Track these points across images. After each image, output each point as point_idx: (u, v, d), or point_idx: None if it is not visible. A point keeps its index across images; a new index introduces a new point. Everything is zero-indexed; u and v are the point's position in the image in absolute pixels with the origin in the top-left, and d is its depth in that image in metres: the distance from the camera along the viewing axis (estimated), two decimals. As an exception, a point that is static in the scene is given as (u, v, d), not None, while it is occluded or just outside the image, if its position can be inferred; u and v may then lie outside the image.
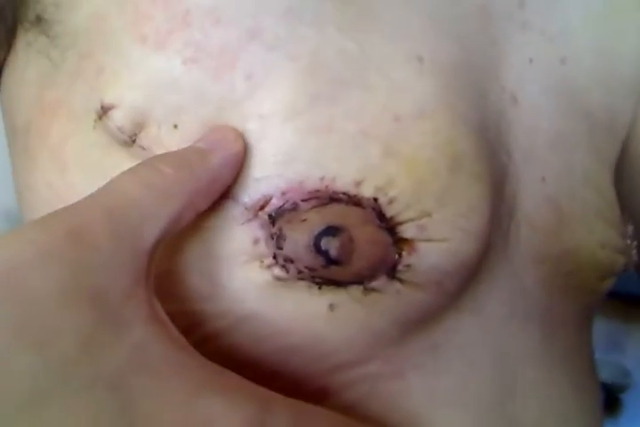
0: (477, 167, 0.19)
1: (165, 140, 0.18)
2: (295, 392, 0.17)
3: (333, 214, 0.17)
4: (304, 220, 0.17)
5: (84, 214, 0.15)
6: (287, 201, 0.18)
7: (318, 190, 0.17)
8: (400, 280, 0.18)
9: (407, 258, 0.18)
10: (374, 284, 0.18)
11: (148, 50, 0.18)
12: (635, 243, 0.27)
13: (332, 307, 0.18)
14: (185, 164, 0.17)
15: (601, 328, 0.63)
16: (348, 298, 0.18)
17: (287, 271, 0.18)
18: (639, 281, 0.32)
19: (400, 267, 0.18)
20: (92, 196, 0.16)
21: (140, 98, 0.18)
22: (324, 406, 0.17)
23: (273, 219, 0.18)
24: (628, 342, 0.65)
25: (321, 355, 0.19)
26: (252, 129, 0.18)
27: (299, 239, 0.17)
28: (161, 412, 0.13)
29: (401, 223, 0.18)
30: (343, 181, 0.18)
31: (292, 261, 0.18)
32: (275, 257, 0.18)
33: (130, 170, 0.17)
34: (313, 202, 0.18)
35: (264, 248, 0.18)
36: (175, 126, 0.18)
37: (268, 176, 0.18)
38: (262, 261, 0.18)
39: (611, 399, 0.64)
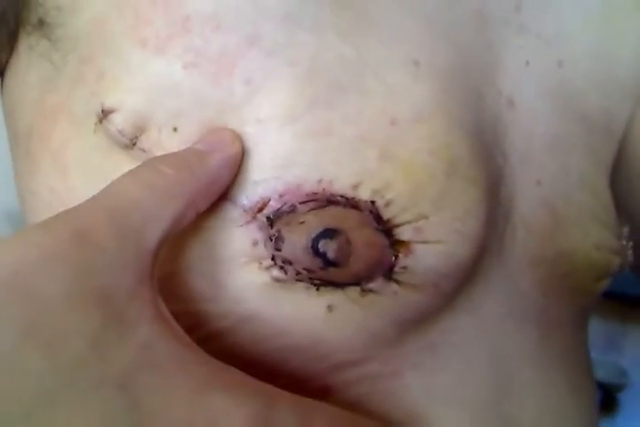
0: (473, 171, 0.20)
1: (165, 142, 0.18)
2: (295, 392, 0.17)
3: (331, 217, 0.18)
4: (302, 222, 0.18)
5: (87, 217, 0.15)
6: (285, 203, 0.18)
7: (316, 193, 0.18)
8: (397, 282, 0.18)
9: (404, 260, 0.18)
10: (371, 285, 0.18)
11: (149, 54, 0.18)
12: (630, 244, 0.27)
13: (330, 308, 0.18)
14: (185, 164, 0.17)
15: (598, 328, 0.64)
16: (346, 299, 0.18)
17: (285, 273, 0.18)
18: (636, 282, 0.32)
19: (397, 268, 0.18)
20: (94, 198, 0.16)
21: (140, 102, 0.18)
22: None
23: (271, 221, 0.18)
24: (625, 342, 0.66)
25: (320, 355, 0.19)
26: (250, 133, 0.18)
27: (297, 241, 0.18)
28: (167, 409, 0.14)
29: (398, 226, 0.18)
30: (340, 184, 0.18)
31: (290, 263, 0.18)
32: (273, 259, 0.18)
33: (131, 171, 0.17)
34: (311, 204, 0.18)
35: (263, 250, 0.18)
36: (175, 129, 0.18)
37: (267, 179, 0.18)
38: (261, 263, 0.18)
39: (608, 399, 0.64)
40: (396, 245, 0.18)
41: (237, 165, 0.18)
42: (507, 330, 0.22)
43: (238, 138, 0.18)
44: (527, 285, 0.23)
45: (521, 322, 0.23)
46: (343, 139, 0.18)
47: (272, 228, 0.18)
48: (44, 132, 0.21)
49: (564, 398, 0.23)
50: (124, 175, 0.17)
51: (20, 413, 0.13)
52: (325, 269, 0.18)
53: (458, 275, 0.20)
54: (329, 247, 0.17)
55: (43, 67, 0.22)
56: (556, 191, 0.23)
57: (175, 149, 0.18)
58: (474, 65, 0.22)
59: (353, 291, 0.18)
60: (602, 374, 0.62)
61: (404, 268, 0.18)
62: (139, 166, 0.17)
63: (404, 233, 0.18)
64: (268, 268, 0.18)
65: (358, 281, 0.18)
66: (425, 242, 0.18)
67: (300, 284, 0.18)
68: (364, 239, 0.18)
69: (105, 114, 0.19)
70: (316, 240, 0.18)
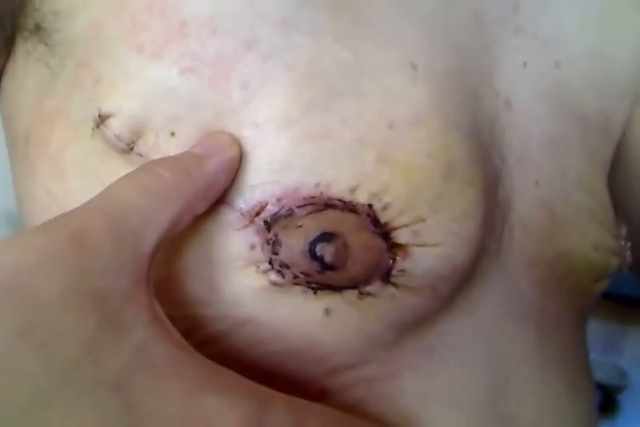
0: (471, 173, 0.20)
1: (163, 147, 0.18)
2: (292, 395, 0.17)
3: (328, 221, 0.18)
4: (299, 226, 0.18)
5: (84, 220, 0.15)
6: (283, 207, 0.18)
7: (313, 197, 0.18)
8: (394, 285, 0.18)
9: (401, 263, 0.18)
10: (369, 288, 0.18)
11: (145, 59, 0.18)
12: (628, 244, 0.27)
13: (327, 311, 0.18)
14: (182, 168, 0.17)
15: (598, 329, 0.64)
16: (344, 302, 0.18)
17: (283, 276, 0.18)
18: (635, 283, 0.32)
19: (394, 272, 0.18)
20: (91, 201, 0.16)
21: (137, 107, 0.18)
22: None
23: (269, 225, 0.18)
24: (624, 343, 0.66)
25: (317, 358, 0.19)
26: (247, 136, 0.18)
27: (294, 245, 0.18)
28: (162, 410, 0.14)
29: (395, 229, 0.18)
30: (338, 188, 0.18)
31: (287, 267, 0.18)
32: (270, 262, 0.18)
33: (128, 175, 0.17)
34: (308, 208, 0.18)
35: (260, 254, 0.18)
36: (172, 134, 0.18)
37: (264, 183, 0.18)
38: (258, 267, 0.18)
39: (608, 400, 0.64)
40: (394, 248, 0.18)
41: (235, 168, 0.18)
42: (505, 331, 0.22)
43: (236, 141, 0.18)
44: (526, 285, 0.23)
45: (520, 323, 0.23)
46: (340, 142, 0.18)
47: (269, 232, 0.18)
48: (42, 136, 0.21)
49: (562, 398, 0.23)
50: (120, 179, 0.17)
51: (15, 414, 0.13)
52: (323, 273, 0.18)
53: (456, 277, 0.20)
54: (326, 251, 0.17)
55: (40, 71, 0.22)
56: (554, 192, 0.23)
57: (173, 154, 0.18)
58: (471, 67, 0.22)
59: (350, 294, 0.18)
60: (601, 375, 0.62)
61: (402, 271, 0.18)
62: (136, 170, 0.17)
63: (401, 236, 0.18)
64: (265, 271, 0.18)
65: (356, 284, 0.18)
66: (423, 245, 0.18)
67: (298, 287, 0.18)
68: (361, 243, 0.18)
69: (102, 119, 0.19)
70: (313, 244, 0.18)
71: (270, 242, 0.18)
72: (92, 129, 0.19)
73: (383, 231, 0.18)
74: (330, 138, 0.18)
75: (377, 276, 0.18)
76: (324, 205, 0.18)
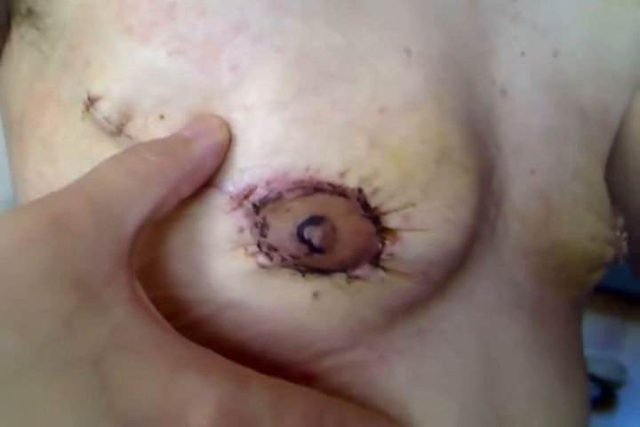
0: (465, 160, 0.20)
1: (152, 130, 0.18)
2: (278, 378, 0.17)
3: (317, 204, 0.18)
4: (288, 209, 0.18)
5: (67, 202, 0.15)
6: (272, 191, 0.18)
7: (303, 181, 0.18)
8: (384, 269, 0.18)
9: (390, 247, 0.18)
10: (358, 272, 0.18)
11: (134, 41, 0.18)
12: (625, 235, 0.27)
13: (316, 295, 0.18)
14: (169, 152, 0.17)
15: (598, 325, 0.64)
16: (332, 286, 0.18)
17: (271, 259, 0.18)
18: (636, 279, 0.32)
19: (383, 256, 0.18)
20: (75, 183, 0.16)
21: (126, 89, 0.18)
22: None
23: (257, 208, 0.18)
24: (624, 338, 0.66)
25: (305, 342, 0.19)
26: (237, 119, 0.18)
27: (282, 228, 0.18)
28: (138, 389, 0.14)
29: (385, 213, 0.18)
30: (328, 172, 0.18)
31: (275, 250, 0.18)
32: (259, 245, 0.18)
33: (113, 157, 0.17)
34: (297, 192, 0.18)
35: (248, 236, 0.18)
36: (162, 117, 0.18)
37: (253, 166, 0.18)
38: (246, 249, 0.18)
39: (607, 395, 0.64)
40: (383, 232, 0.18)
41: (223, 152, 0.18)
42: (499, 319, 0.22)
43: (225, 125, 0.18)
44: (521, 274, 0.23)
45: (514, 311, 0.23)
46: (331, 126, 0.18)
47: (258, 215, 0.18)
48: (34, 118, 0.21)
49: (555, 388, 0.23)
50: (106, 161, 0.17)
51: None
52: (311, 256, 0.18)
53: (447, 263, 0.19)
54: (314, 234, 0.17)
55: (32, 56, 0.22)
56: (551, 181, 0.23)
57: (162, 137, 0.18)
58: (467, 53, 0.22)
59: (339, 278, 0.18)
60: (601, 370, 0.62)
61: (391, 255, 0.18)
62: (122, 152, 0.17)
63: (391, 221, 0.18)
64: (253, 254, 0.18)
65: (344, 268, 0.18)
66: (413, 230, 0.18)
67: (286, 270, 0.18)
68: (350, 226, 0.18)
69: (91, 101, 0.19)
70: (301, 227, 0.17)
71: (259, 225, 0.18)
72: (82, 112, 0.19)
73: (373, 215, 0.18)
74: (320, 122, 0.18)
75: (366, 260, 0.18)
76: (313, 188, 0.18)
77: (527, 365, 0.23)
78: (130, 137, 0.19)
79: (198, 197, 0.18)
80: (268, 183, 0.18)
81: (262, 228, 0.18)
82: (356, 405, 0.18)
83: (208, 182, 0.18)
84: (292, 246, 0.18)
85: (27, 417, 0.13)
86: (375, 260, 0.18)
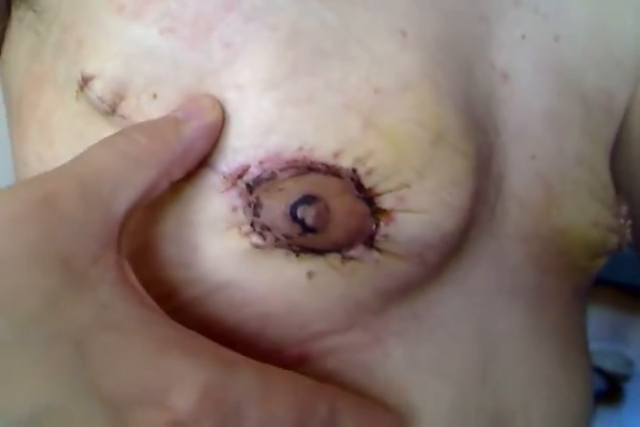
0: (462, 142, 0.19)
1: (145, 109, 0.18)
2: (272, 359, 0.17)
3: (311, 184, 0.17)
4: (281, 189, 0.18)
5: (57, 183, 0.15)
6: (265, 171, 0.18)
7: (296, 160, 0.18)
8: (378, 250, 0.18)
9: (385, 228, 0.18)
10: (352, 252, 0.18)
11: (126, 20, 0.18)
12: (629, 222, 0.27)
13: (310, 275, 0.18)
14: (160, 133, 0.17)
15: (605, 319, 0.63)
16: (327, 266, 0.18)
17: (264, 239, 0.18)
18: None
19: (378, 237, 0.18)
20: (66, 165, 0.16)
21: (118, 68, 0.18)
22: (301, 374, 0.17)
23: (251, 188, 0.18)
24: (631, 332, 0.65)
25: (300, 323, 0.19)
26: (230, 99, 0.18)
27: (275, 208, 0.17)
28: (122, 367, 0.14)
29: (379, 194, 0.18)
30: (321, 152, 0.18)
31: (269, 229, 0.18)
32: (252, 225, 0.18)
33: (105, 139, 0.17)
34: (291, 171, 0.18)
35: (242, 216, 0.18)
36: (154, 96, 0.18)
37: (247, 146, 0.18)
38: (240, 229, 0.18)
39: (613, 389, 0.64)
40: (378, 213, 0.18)
41: (216, 132, 0.18)
42: (496, 304, 0.22)
43: (218, 104, 0.18)
44: (520, 260, 0.23)
45: (512, 296, 0.22)
46: (325, 106, 0.18)
47: (251, 194, 0.18)
48: (32, 100, 0.22)
49: (554, 374, 0.23)
50: (97, 143, 0.17)
51: None
52: (304, 236, 0.18)
53: (443, 246, 0.19)
54: (307, 213, 0.17)
55: (30, 38, 0.22)
56: (552, 167, 0.23)
57: (155, 116, 0.18)
58: (465, 36, 0.21)
59: (334, 258, 0.18)
60: (608, 364, 0.62)
61: (385, 236, 0.18)
62: (114, 134, 0.17)
63: (385, 202, 0.18)
64: (247, 234, 0.18)
65: (339, 248, 0.18)
66: (408, 211, 0.18)
67: (280, 250, 0.18)
68: (344, 207, 0.18)
69: (85, 81, 0.19)
70: (294, 207, 0.17)
71: (252, 204, 0.18)
72: (77, 92, 0.19)
73: (367, 196, 0.18)
74: (314, 101, 0.18)
75: (360, 240, 0.18)
76: (306, 168, 0.18)
77: (526, 350, 0.22)
78: (123, 117, 0.19)
79: (192, 177, 0.18)
80: (261, 163, 0.18)
81: (255, 207, 0.18)
82: (351, 392, 0.18)
83: (202, 162, 0.18)
84: (285, 226, 0.17)
85: (6, 391, 0.13)
86: (369, 241, 0.18)
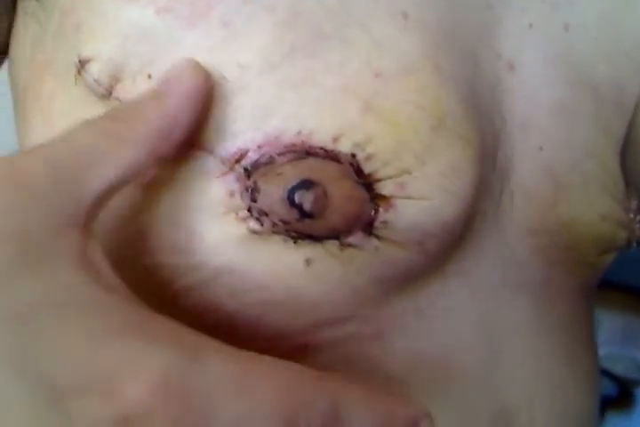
0: (464, 129, 0.19)
1: (140, 90, 0.18)
2: (273, 350, 0.16)
3: (309, 168, 0.17)
4: (279, 173, 0.17)
5: (30, 158, 0.15)
6: (263, 155, 0.17)
7: (295, 144, 0.17)
8: (377, 237, 0.18)
9: (384, 214, 0.18)
10: (350, 239, 0.18)
11: (121, 1, 0.18)
12: (638, 217, 0.26)
13: (308, 262, 0.18)
14: (141, 110, 0.17)
15: (616, 323, 0.62)
16: (325, 253, 0.18)
17: (262, 224, 0.17)
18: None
19: (377, 223, 0.18)
20: (43, 144, 0.16)
21: (114, 50, 0.18)
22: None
23: (248, 172, 0.17)
24: (644, 336, 0.64)
25: (299, 311, 0.19)
26: (229, 78, 0.18)
27: (273, 192, 0.17)
28: (68, 351, 0.13)
29: (379, 180, 0.18)
30: (320, 137, 0.17)
31: (266, 215, 0.17)
32: (249, 210, 0.17)
33: (87, 120, 0.17)
34: (289, 156, 0.17)
35: (239, 201, 0.18)
36: (149, 76, 0.18)
37: (245, 130, 0.18)
38: (237, 214, 0.18)
39: (624, 394, 0.63)
40: (377, 199, 0.18)
41: (201, 100, 0.17)
42: (501, 298, 0.21)
43: (199, 69, 0.17)
44: (526, 253, 0.22)
45: (517, 291, 0.22)
46: (324, 89, 0.17)
47: (249, 179, 0.17)
48: (35, 89, 0.22)
49: (559, 370, 0.23)
50: (79, 123, 0.16)
51: None
52: (302, 221, 0.17)
53: (444, 235, 0.19)
54: (305, 198, 0.17)
55: (33, 28, 0.22)
56: (560, 158, 0.22)
57: None
58: (470, 23, 0.21)
59: (332, 245, 0.18)
60: (619, 368, 0.60)
61: (385, 223, 0.18)
62: (97, 116, 0.17)
63: (385, 188, 0.18)
64: (244, 219, 0.18)
65: (337, 235, 0.18)
66: (408, 197, 0.18)
67: (277, 237, 0.18)
68: (342, 192, 0.17)
69: (82, 64, 0.19)
70: (292, 191, 0.17)
71: (249, 189, 0.17)
72: (75, 76, 0.19)
73: (367, 182, 0.18)
74: (313, 84, 0.17)
75: (359, 227, 0.18)
76: (305, 153, 0.17)
77: (531, 346, 0.22)
78: (119, 99, 0.18)
79: (189, 161, 0.18)
80: (259, 147, 0.17)
81: (253, 192, 0.17)
82: (360, 385, 0.16)
83: (199, 146, 0.18)
84: (282, 211, 0.17)
85: None
86: (368, 227, 0.18)
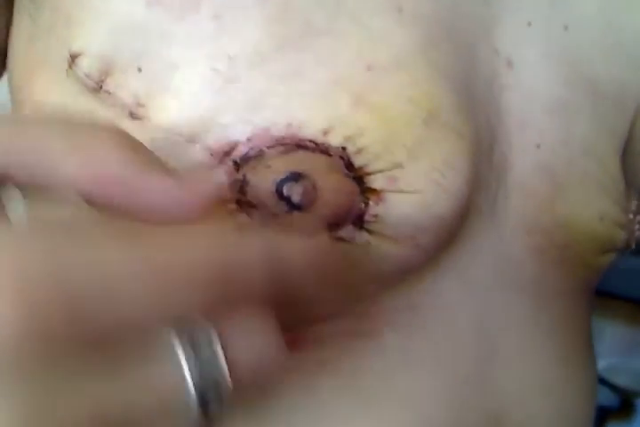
0: (457, 124, 0.19)
1: (130, 83, 0.18)
2: None
3: (298, 161, 0.17)
4: (268, 166, 0.17)
5: None
6: (253, 148, 0.17)
7: (284, 137, 0.17)
8: (368, 231, 0.18)
9: (374, 208, 0.17)
10: (341, 233, 0.17)
11: None
12: (638, 218, 0.26)
13: None
14: None
15: (619, 333, 0.61)
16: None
17: (250, 218, 0.17)
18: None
19: (367, 217, 0.17)
20: None
21: (104, 44, 0.18)
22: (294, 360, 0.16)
23: (238, 165, 0.17)
24: (646, 347, 0.63)
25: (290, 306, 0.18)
26: (220, 70, 0.18)
27: (262, 185, 0.17)
28: None
29: (370, 173, 0.17)
30: (310, 130, 0.17)
31: (255, 208, 0.17)
32: (238, 203, 0.17)
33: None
34: (279, 149, 0.17)
35: (228, 194, 0.17)
36: (139, 70, 0.18)
37: (235, 122, 0.17)
38: (226, 207, 0.17)
39: (625, 404, 0.62)
40: (367, 192, 0.17)
41: None
42: (496, 297, 0.21)
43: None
44: (522, 252, 0.22)
45: (512, 290, 0.22)
46: (315, 82, 0.17)
47: (238, 172, 0.17)
48: (29, 86, 0.21)
49: (553, 371, 0.22)
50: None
51: None
52: (290, 214, 0.17)
53: (437, 230, 0.18)
54: (293, 191, 0.17)
55: (27, 24, 0.22)
56: (557, 156, 0.22)
57: (139, 90, 0.18)
58: (466, 19, 0.21)
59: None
60: (621, 379, 0.60)
61: (375, 216, 0.17)
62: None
63: (376, 181, 0.17)
64: (232, 212, 0.17)
65: (327, 228, 0.17)
66: (399, 191, 0.17)
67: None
68: (331, 185, 0.17)
69: (72, 58, 0.19)
70: (281, 184, 0.17)
71: (238, 182, 0.17)
72: (66, 70, 0.19)
73: (357, 175, 0.17)
74: (303, 77, 0.17)
75: (349, 220, 0.17)
76: (295, 146, 0.17)
77: (525, 346, 0.22)
78: (108, 92, 0.18)
79: (179, 154, 0.18)
80: (249, 140, 0.17)
81: (242, 185, 0.17)
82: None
83: (190, 139, 0.18)
84: (271, 204, 0.17)
85: None
86: (359, 221, 0.17)
